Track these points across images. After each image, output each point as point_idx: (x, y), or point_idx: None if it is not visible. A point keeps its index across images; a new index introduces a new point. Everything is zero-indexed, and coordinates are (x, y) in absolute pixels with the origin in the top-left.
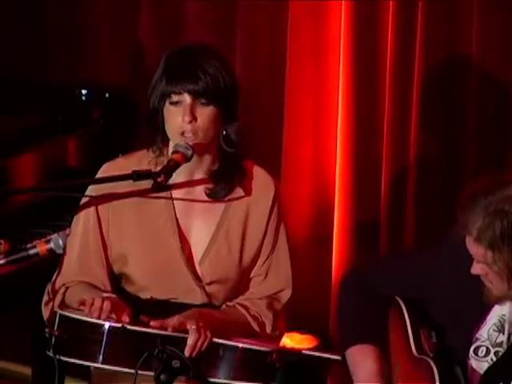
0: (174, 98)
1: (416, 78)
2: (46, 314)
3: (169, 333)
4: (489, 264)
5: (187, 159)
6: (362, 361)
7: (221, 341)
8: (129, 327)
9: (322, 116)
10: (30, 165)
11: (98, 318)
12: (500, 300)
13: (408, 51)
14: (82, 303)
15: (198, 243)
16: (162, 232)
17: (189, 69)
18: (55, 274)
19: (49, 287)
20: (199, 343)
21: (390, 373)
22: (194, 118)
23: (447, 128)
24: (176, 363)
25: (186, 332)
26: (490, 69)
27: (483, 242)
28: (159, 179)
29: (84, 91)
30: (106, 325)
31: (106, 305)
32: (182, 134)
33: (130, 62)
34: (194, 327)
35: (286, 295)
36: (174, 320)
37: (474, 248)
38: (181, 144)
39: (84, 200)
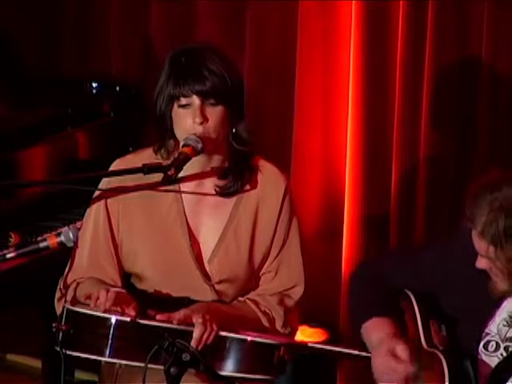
0: (183, 100)
1: (426, 74)
2: (58, 309)
3: (175, 326)
4: (491, 259)
5: (197, 152)
6: (376, 330)
7: (228, 334)
8: (135, 320)
9: (331, 111)
10: (39, 158)
11: (104, 311)
12: (505, 295)
13: (418, 49)
14: (88, 297)
15: (208, 241)
16: (172, 230)
17: (194, 70)
18: (67, 269)
19: (61, 283)
20: (205, 336)
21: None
22: (205, 119)
23: (458, 122)
24: (186, 356)
25: (193, 325)
26: (501, 67)
27: (486, 237)
28: (169, 172)
29: (94, 84)
30: (113, 318)
31: (111, 294)
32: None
33: (140, 59)
34: (200, 320)
35: (297, 292)
36: (180, 313)
37: (478, 242)
38: (191, 137)
39: (95, 195)
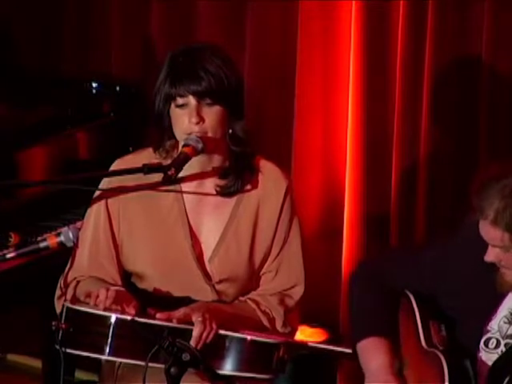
0: (179, 100)
1: (426, 74)
2: (58, 308)
3: (174, 324)
4: (505, 247)
5: (198, 152)
6: (373, 354)
7: (227, 333)
8: (135, 319)
9: (331, 111)
10: (39, 158)
11: (104, 309)
12: None
13: (418, 49)
14: (88, 295)
15: (208, 241)
16: (173, 230)
17: (191, 70)
18: (67, 268)
19: (61, 281)
20: (204, 335)
21: (399, 365)
22: (201, 119)
23: (458, 122)
24: (186, 356)
25: (192, 324)
26: (501, 67)
27: (500, 225)
28: (169, 172)
29: (94, 84)
30: (113, 317)
31: (111, 293)
32: (189, 135)
33: (140, 59)
34: (199, 319)
35: (298, 292)
36: (179, 312)
37: (491, 232)
38: (191, 137)
39: (95, 195)
